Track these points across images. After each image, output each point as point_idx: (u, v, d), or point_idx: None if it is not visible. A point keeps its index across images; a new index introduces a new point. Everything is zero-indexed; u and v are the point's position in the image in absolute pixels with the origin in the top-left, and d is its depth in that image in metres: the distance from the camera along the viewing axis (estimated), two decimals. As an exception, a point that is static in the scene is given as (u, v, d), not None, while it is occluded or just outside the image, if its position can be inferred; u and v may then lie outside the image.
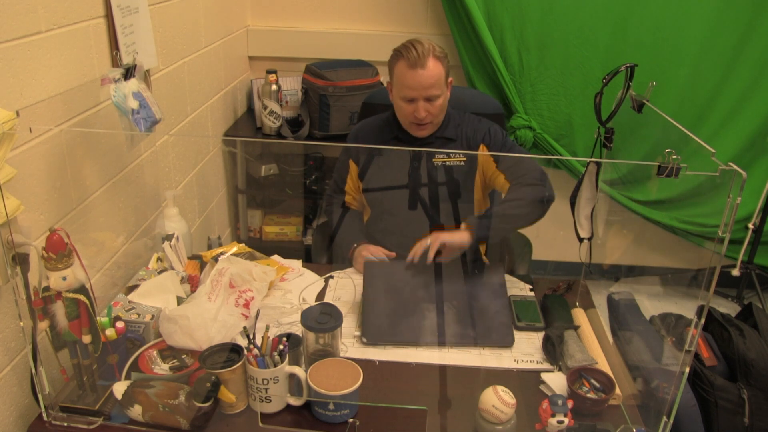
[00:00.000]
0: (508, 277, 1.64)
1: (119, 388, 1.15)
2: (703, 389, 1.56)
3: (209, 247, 1.74)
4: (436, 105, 1.61)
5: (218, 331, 1.30)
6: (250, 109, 2.73)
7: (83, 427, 1.15)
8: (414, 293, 1.50)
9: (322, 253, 1.99)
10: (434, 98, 1.60)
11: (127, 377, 1.23)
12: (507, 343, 1.41)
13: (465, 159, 1.71)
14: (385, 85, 1.72)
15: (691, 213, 2.66)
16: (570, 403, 1.15)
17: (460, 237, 1.52)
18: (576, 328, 1.41)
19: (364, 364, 1.20)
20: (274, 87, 2.43)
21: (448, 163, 1.70)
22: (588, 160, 1.39)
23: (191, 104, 2.07)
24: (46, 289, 1.09)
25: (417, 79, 1.57)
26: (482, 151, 1.70)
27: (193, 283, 1.51)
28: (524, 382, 1.30)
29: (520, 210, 1.56)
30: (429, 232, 1.66)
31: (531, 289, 1.60)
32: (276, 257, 1.72)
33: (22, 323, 1.17)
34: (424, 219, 1.74)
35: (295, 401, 1.20)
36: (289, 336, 1.23)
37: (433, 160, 1.70)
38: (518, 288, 1.62)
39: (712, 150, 0.99)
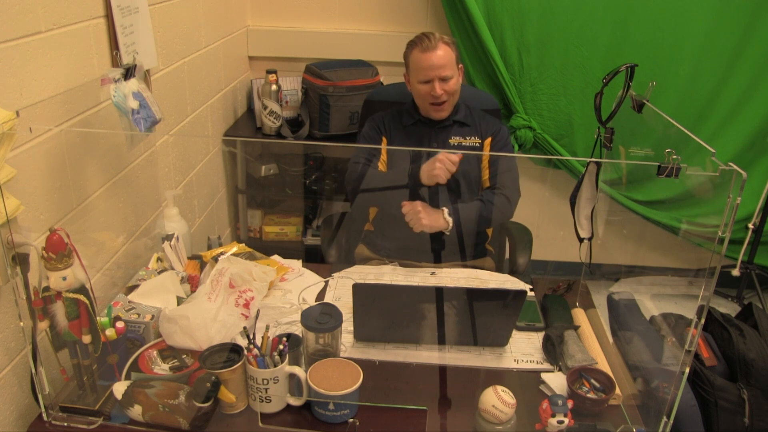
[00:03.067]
0: (508, 277, 1.64)
1: (119, 388, 1.15)
2: (703, 389, 1.55)
3: (209, 247, 1.74)
4: (450, 84, 1.77)
5: (218, 331, 1.30)
6: (250, 109, 2.73)
7: (83, 427, 1.15)
8: (406, 317, 1.40)
9: (330, 248, 2.01)
10: (447, 78, 1.76)
11: (127, 377, 1.23)
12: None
13: (479, 141, 1.88)
14: (403, 77, 1.89)
15: (691, 213, 2.65)
16: (570, 403, 1.15)
17: (437, 223, 1.72)
18: (576, 328, 1.41)
19: (364, 364, 1.20)
20: (274, 87, 2.43)
21: (463, 143, 1.87)
22: (588, 160, 1.39)
23: (191, 104, 2.07)
24: (46, 289, 1.09)
25: (431, 59, 1.73)
26: (489, 143, 1.89)
27: (193, 283, 1.51)
28: (524, 382, 1.30)
29: (486, 214, 1.82)
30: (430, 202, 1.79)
31: (531, 289, 1.60)
32: (276, 257, 1.72)
33: (22, 323, 1.17)
34: (437, 193, 1.82)
35: (295, 401, 1.20)
36: (289, 336, 1.23)
37: (450, 140, 1.86)
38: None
39: (712, 150, 0.99)
